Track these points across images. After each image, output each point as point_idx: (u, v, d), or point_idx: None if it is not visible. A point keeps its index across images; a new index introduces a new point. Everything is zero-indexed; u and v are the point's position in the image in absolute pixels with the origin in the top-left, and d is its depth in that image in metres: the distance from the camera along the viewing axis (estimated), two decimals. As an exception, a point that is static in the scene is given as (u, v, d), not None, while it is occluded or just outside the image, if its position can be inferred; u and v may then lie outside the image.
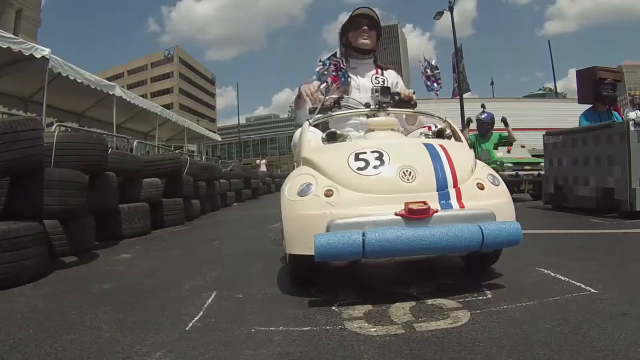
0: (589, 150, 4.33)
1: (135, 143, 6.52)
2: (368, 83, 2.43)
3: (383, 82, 2.46)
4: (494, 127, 7.18)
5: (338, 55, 2.36)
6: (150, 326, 1.45)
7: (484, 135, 7.09)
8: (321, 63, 2.28)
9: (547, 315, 1.37)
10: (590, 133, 4.35)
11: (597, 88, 4.72)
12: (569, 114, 8.23)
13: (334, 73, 2.26)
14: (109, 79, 10.97)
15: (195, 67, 66.34)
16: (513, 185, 6.07)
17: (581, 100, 5.13)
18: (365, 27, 2.45)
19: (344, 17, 2.56)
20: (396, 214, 1.54)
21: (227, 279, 2.16)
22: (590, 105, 4.95)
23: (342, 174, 1.68)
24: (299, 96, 2.32)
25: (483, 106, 7.30)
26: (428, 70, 2.39)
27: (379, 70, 2.54)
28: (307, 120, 2.19)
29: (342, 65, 2.29)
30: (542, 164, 5.89)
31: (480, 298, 1.60)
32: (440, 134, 2.13)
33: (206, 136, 13.71)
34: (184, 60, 62.35)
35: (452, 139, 2.14)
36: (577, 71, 5.24)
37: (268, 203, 8.57)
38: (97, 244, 3.31)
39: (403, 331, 1.30)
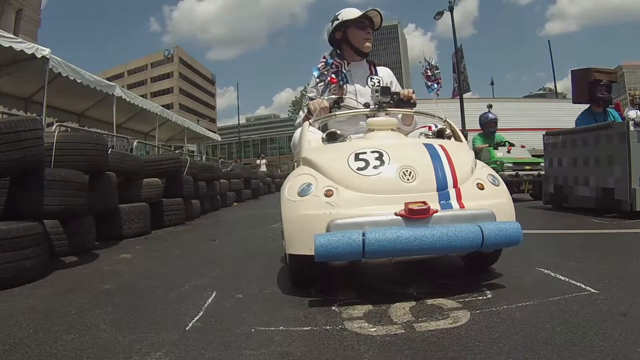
0: (589, 150, 4.33)
1: (135, 143, 6.53)
2: (364, 87, 2.40)
3: (379, 81, 2.43)
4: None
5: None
6: (150, 326, 1.45)
7: (488, 135, 7.12)
8: (324, 60, 2.28)
9: (547, 315, 1.37)
10: (590, 133, 4.35)
11: (593, 89, 4.71)
12: (569, 114, 8.22)
13: (333, 75, 2.26)
14: (109, 79, 10.97)
15: (195, 67, 66.33)
16: (513, 185, 6.08)
17: (576, 100, 5.12)
18: (370, 30, 2.42)
19: (341, 10, 2.44)
20: (396, 214, 1.54)
21: (227, 279, 2.16)
22: (587, 106, 4.95)
23: (342, 174, 1.68)
24: (309, 112, 2.27)
25: (490, 106, 7.32)
26: (428, 71, 2.38)
27: (372, 69, 2.50)
28: (307, 120, 2.20)
29: (343, 69, 2.29)
30: (542, 164, 5.89)
31: (480, 298, 1.60)
32: (440, 134, 2.13)
33: (206, 136, 13.70)
34: (184, 60, 62.34)
35: (452, 139, 2.14)
36: (572, 71, 5.22)
37: (268, 203, 8.58)
38: (97, 244, 3.31)
39: (403, 331, 1.30)
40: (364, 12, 2.37)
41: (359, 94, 2.38)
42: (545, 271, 1.95)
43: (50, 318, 1.57)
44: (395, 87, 2.50)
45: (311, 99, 2.35)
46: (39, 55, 5.02)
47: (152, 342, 1.30)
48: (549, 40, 25.83)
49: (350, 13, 2.39)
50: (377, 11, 2.39)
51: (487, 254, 1.83)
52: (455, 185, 1.67)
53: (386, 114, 2.13)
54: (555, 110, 12.51)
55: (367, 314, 1.48)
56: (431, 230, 1.48)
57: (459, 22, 14.52)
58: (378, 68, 2.54)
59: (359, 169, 1.68)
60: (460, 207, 1.62)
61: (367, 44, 2.43)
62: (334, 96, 2.26)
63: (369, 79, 2.45)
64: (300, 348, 1.22)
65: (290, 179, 1.81)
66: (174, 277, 2.25)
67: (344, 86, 2.33)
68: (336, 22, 2.42)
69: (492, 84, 26.03)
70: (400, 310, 1.49)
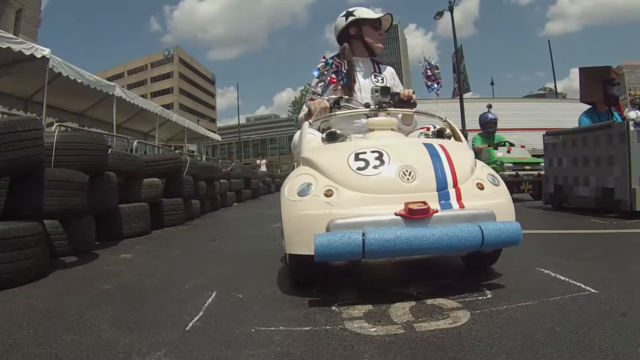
0: (589, 150, 4.33)
1: (135, 143, 6.52)
2: (369, 83, 2.42)
3: (382, 80, 2.46)
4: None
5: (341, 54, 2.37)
6: (150, 326, 1.45)
7: (488, 135, 7.12)
8: (324, 61, 2.29)
9: (547, 315, 1.37)
10: (590, 133, 4.35)
11: (606, 87, 4.70)
12: (569, 114, 8.24)
13: (333, 75, 2.27)
14: (109, 79, 10.97)
15: (196, 67, 66.29)
16: (513, 185, 6.08)
17: (584, 99, 5.08)
18: (382, 31, 2.50)
19: (354, 7, 2.51)
20: (396, 214, 1.54)
21: (227, 279, 2.16)
22: (589, 107, 4.94)
23: (342, 174, 1.68)
24: (308, 112, 2.29)
25: (489, 106, 7.32)
26: (428, 71, 2.39)
27: (376, 67, 2.54)
28: (307, 120, 2.20)
29: (343, 69, 2.30)
30: (542, 164, 5.89)
31: (480, 298, 1.60)
32: (440, 134, 2.13)
33: (206, 136, 13.71)
34: (184, 60, 62.29)
35: (452, 138, 2.14)
36: (581, 69, 5.12)
37: (268, 203, 8.57)
38: (97, 244, 3.31)
39: (403, 331, 1.30)
40: (383, 14, 2.47)
41: (363, 89, 2.39)
42: (545, 271, 1.95)
43: (50, 318, 1.57)
44: (397, 87, 2.52)
45: (314, 92, 2.36)
46: (38, 55, 5.01)
47: (152, 342, 1.30)
48: (549, 40, 25.82)
49: (367, 12, 2.48)
50: (391, 16, 2.51)
51: (487, 254, 1.83)
52: (455, 185, 1.67)
53: (387, 114, 2.13)
54: (555, 110, 12.52)
55: (367, 314, 1.48)
56: (431, 230, 1.48)
57: (459, 22, 14.56)
58: (381, 67, 2.58)
59: (359, 168, 1.68)
60: (460, 207, 1.62)
61: (380, 44, 2.51)
62: (334, 96, 2.27)
63: (372, 76, 2.49)
64: (300, 348, 1.22)
65: (290, 178, 1.81)
66: (174, 277, 2.25)
67: (350, 84, 2.35)
68: (352, 18, 2.46)
69: (492, 84, 26.05)
70: (400, 310, 1.49)
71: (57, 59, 5.40)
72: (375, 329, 1.34)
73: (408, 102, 2.27)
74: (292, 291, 1.81)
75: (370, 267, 2.12)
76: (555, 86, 26.12)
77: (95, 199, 3.15)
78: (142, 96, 9.74)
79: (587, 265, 2.05)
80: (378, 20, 2.46)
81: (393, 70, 2.64)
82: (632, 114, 5.36)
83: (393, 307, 1.53)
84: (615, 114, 4.81)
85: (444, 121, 2.25)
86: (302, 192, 1.66)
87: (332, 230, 1.52)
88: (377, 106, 2.15)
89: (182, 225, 4.87)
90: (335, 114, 2.22)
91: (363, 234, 1.45)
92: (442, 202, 1.61)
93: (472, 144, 6.99)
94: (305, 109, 2.41)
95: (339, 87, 2.34)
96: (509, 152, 6.79)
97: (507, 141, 7.01)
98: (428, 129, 2.21)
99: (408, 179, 1.64)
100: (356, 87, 2.39)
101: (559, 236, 3.33)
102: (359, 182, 1.64)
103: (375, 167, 1.68)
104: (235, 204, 8.77)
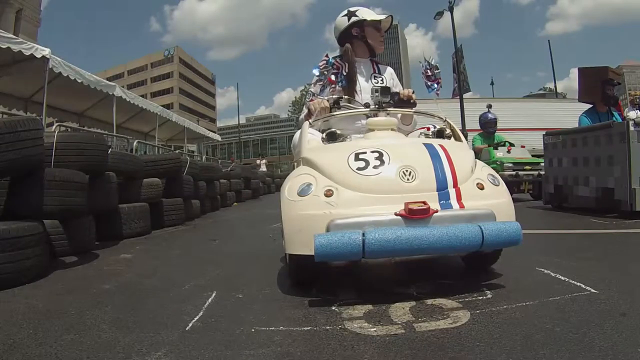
0: (589, 150, 4.33)
1: (135, 143, 6.52)
2: (368, 84, 2.42)
3: (382, 81, 2.46)
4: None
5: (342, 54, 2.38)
6: (150, 326, 1.45)
7: (488, 135, 7.12)
8: (326, 59, 2.29)
9: (547, 315, 1.37)
10: (590, 133, 4.35)
11: (604, 88, 4.71)
12: (569, 114, 8.24)
13: (332, 76, 2.27)
14: (109, 79, 10.99)
15: (195, 67, 66.25)
16: (513, 185, 6.08)
17: (583, 99, 5.09)
18: (383, 33, 2.51)
19: (356, 7, 2.50)
20: (396, 214, 1.54)
21: (227, 279, 2.16)
22: (590, 106, 4.94)
23: (342, 174, 1.68)
24: (309, 112, 2.28)
25: (489, 106, 7.31)
26: (428, 71, 2.39)
27: (376, 68, 2.54)
28: (307, 120, 2.20)
29: (343, 71, 2.30)
30: (542, 164, 5.89)
31: (480, 298, 1.60)
32: (440, 134, 2.13)
33: (206, 136, 13.71)
34: (184, 60, 62.24)
35: (452, 138, 2.14)
36: (580, 69, 5.14)
37: (268, 203, 8.57)
38: (97, 244, 3.31)
39: (403, 331, 1.30)
40: (385, 16, 2.46)
41: (363, 90, 2.39)
42: (545, 271, 1.95)
43: (50, 318, 1.57)
44: (397, 87, 2.52)
45: (314, 93, 2.36)
46: (38, 55, 5.02)
47: (152, 342, 1.30)
48: (549, 40, 25.84)
49: (369, 13, 2.46)
50: (392, 17, 2.51)
51: (487, 254, 1.83)
52: (455, 185, 1.67)
53: (387, 114, 2.13)
54: (555, 110, 12.51)
55: (367, 314, 1.48)
56: (431, 230, 1.48)
57: (459, 22, 14.56)
58: (381, 67, 2.57)
59: (359, 168, 1.68)
60: (460, 207, 1.62)
61: (381, 46, 2.52)
62: (334, 96, 2.27)
63: (372, 77, 2.48)
64: (300, 348, 1.22)
65: (290, 178, 1.81)
66: (174, 277, 2.25)
67: (343, 87, 2.34)
68: (355, 19, 2.45)
69: (492, 84, 26.06)
70: (400, 310, 1.49)
71: (57, 59, 5.40)
72: (375, 329, 1.34)
73: (408, 102, 2.27)
74: (292, 291, 1.81)
75: (370, 267, 2.12)
76: (555, 86, 26.12)
77: (95, 199, 3.15)
78: (142, 96, 9.74)
79: (587, 265, 2.05)
80: (379, 21, 2.46)
81: (392, 71, 2.64)
82: (632, 114, 5.35)
83: (393, 307, 1.53)
84: (615, 114, 4.82)
85: (444, 121, 2.25)
86: (302, 192, 1.66)
87: (332, 230, 1.52)
88: (377, 106, 2.15)
89: (182, 225, 4.87)
90: (335, 114, 2.22)
91: (363, 234, 1.45)
92: (442, 202, 1.61)
93: (472, 144, 6.98)
94: (305, 110, 2.41)
95: (338, 88, 2.33)
96: (509, 152, 6.79)
97: (507, 141, 7.02)
98: (428, 129, 2.21)
99: (408, 179, 1.64)
100: (356, 88, 2.39)
101: (559, 236, 3.33)
102: (359, 182, 1.64)
103: (375, 167, 1.68)
104: (235, 204, 8.77)
